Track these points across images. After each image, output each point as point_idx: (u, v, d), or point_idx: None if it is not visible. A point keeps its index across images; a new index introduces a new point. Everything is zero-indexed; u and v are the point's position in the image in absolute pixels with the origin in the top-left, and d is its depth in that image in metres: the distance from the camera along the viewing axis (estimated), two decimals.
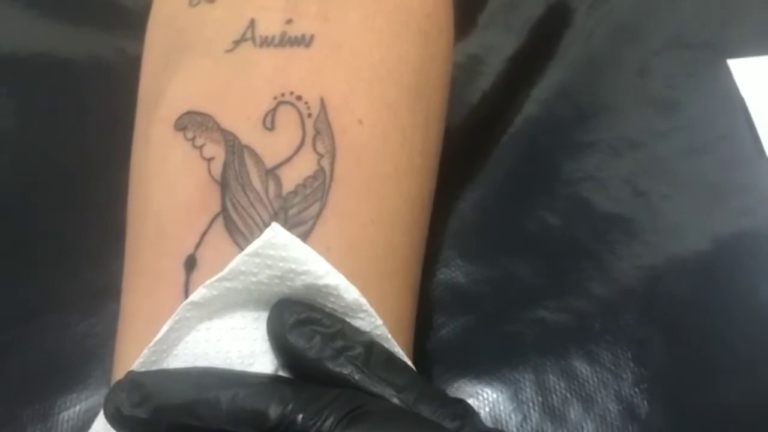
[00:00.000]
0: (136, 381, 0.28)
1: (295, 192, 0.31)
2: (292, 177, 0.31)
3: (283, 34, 0.33)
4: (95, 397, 0.40)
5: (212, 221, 0.30)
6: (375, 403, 0.27)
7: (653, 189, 0.47)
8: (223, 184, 0.31)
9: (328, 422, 0.26)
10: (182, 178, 0.31)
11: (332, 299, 0.29)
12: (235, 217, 0.30)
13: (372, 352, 0.29)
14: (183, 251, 0.30)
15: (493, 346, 0.42)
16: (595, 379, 0.41)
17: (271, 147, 0.31)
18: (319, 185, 0.31)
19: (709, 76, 0.51)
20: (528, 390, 0.41)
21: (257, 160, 0.31)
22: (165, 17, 0.37)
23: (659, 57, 0.52)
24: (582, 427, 0.40)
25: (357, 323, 0.30)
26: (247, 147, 0.31)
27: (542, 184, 0.47)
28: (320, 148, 0.31)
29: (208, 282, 0.29)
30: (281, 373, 0.30)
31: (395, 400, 0.28)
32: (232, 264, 0.29)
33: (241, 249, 0.30)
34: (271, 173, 0.31)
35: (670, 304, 0.43)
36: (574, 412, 0.40)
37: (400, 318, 0.33)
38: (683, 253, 0.45)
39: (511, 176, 0.48)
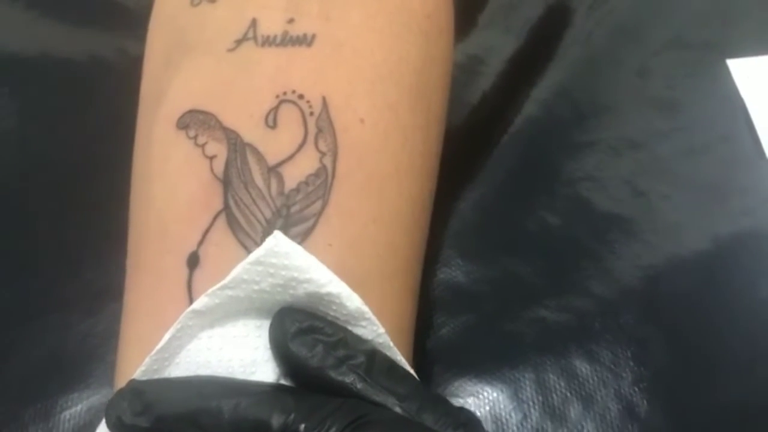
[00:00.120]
0: (137, 389, 0.27)
1: (297, 189, 0.31)
2: (294, 174, 0.31)
3: (285, 33, 0.33)
4: (97, 396, 0.40)
5: (215, 219, 0.30)
6: (378, 412, 0.27)
7: (653, 189, 0.47)
8: (226, 182, 0.31)
9: None
10: (184, 177, 0.32)
11: (334, 307, 0.29)
12: (238, 215, 0.30)
13: (374, 360, 0.29)
14: (186, 249, 0.30)
15: (494, 345, 0.42)
16: (595, 378, 0.41)
17: (273, 145, 0.31)
18: (321, 183, 0.31)
19: (708, 76, 0.51)
20: (528, 389, 0.41)
21: (259, 157, 0.31)
22: (166, 17, 0.37)
23: (659, 57, 0.52)
24: (582, 426, 0.40)
25: (359, 332, 0.30)
26: (250, 145, 0.31)
27: (542, 184, 0.48)
28: (322, 146, 0.31)
29: (210, 290, 0.29)
30: (283, 382, 0.29)
31: (398, 409, 0.28)
32: (234, 272, 0.29)
33: (244, 246, 0.30)
34: (273, 171, 0.31)
35: (670, 304, 0.43)
36: (574, 411, 0.40)
37: (400, 318, 0.33)
38: (683, 252, 0.45)
39: (511, 176, 0.48)
